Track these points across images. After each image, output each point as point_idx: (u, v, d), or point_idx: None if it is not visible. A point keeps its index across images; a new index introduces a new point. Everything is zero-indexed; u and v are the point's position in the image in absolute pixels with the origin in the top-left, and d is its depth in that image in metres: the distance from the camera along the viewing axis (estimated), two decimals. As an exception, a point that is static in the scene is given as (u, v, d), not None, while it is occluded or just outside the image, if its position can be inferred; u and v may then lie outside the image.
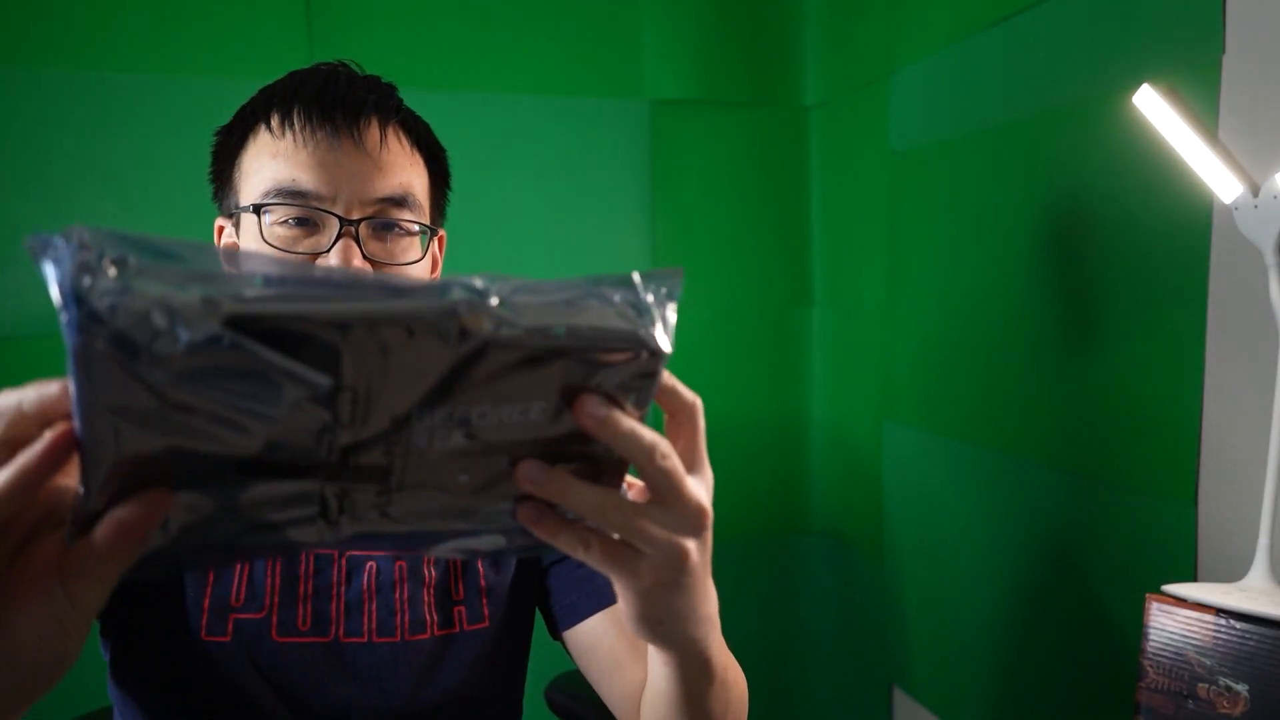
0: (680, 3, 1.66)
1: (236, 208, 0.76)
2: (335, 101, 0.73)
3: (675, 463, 0.41)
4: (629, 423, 0.39)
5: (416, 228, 0.77)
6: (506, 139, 1.59)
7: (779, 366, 1.78)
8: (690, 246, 1.70)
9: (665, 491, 0.42)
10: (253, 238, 0.73)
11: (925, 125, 1.42)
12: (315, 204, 0.72)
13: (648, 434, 0.40)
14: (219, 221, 0.81)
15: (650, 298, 0.38)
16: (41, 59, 1.36)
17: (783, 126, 1.75)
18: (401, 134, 0.77)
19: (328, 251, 0.72)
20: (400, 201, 0.75)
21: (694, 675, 0.54)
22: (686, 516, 0.42)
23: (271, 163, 0.73)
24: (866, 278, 1.61)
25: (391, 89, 0.79)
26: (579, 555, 0.42)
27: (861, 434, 1.64)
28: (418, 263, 0.77)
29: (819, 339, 1.79)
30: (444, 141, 0.83)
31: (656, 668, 0.57)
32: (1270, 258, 0.82)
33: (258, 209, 0.73)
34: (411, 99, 0.81)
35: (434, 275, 0.86)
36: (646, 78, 1.66)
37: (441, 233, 0.85)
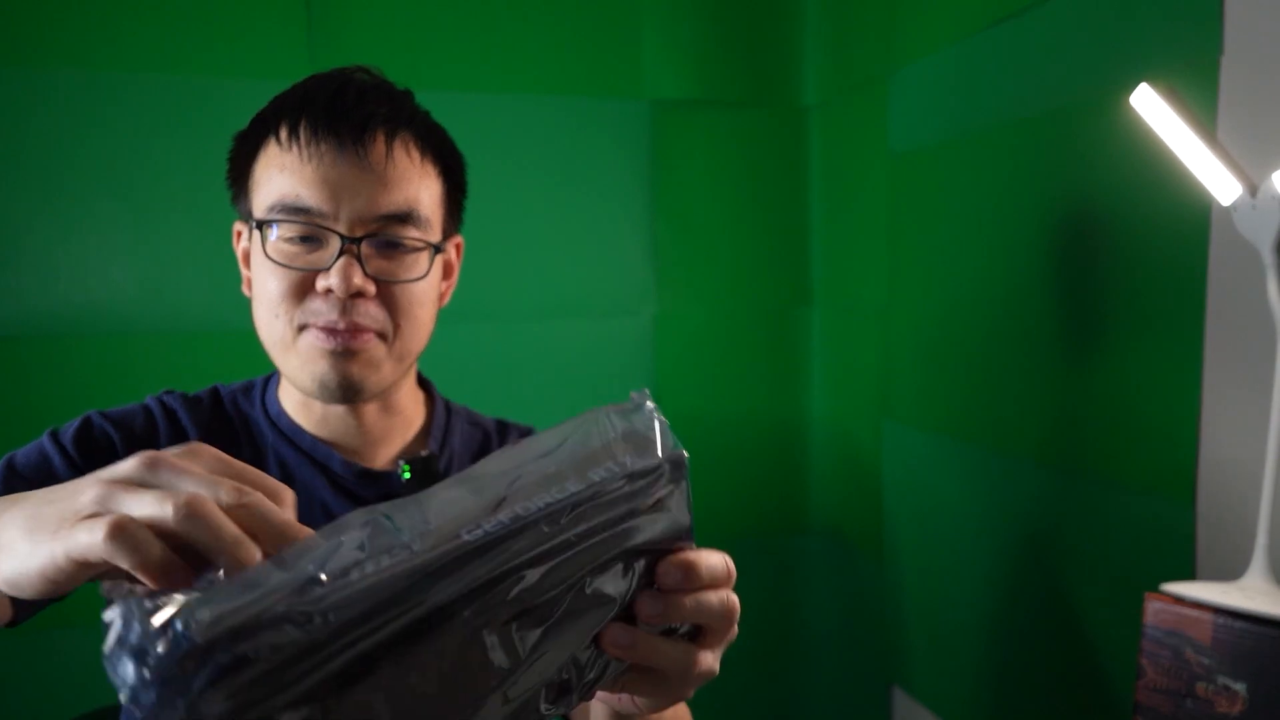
0: (680, 3, 1.66)
1: (249, 217, 0.76)
2: (342, 115, 0.72)
3: (704, 668, 0.49)
4: (652, 642, 0.45)
5: (422, 244, 0.76)
6: (506, 139, 1.59)
7: (779, 367, 1.78)
8: (690, 247, 1.70)
9: (687, 675, 0.48)
10: (260, 250, 0.74)
11: (925, 126, 1.42)
12: (318, 221, 0.72)
13: (675, 650, 0.46)
14: (237, 226, 0.81)
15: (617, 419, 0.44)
16: (42, 59, 1.36)
17: (782, 126, 1.76)
18: (412, 145, 0.76)
19: (328, 269, 0.72)
20: (404, 218, 0.74)
21: None
22: (699, 682, 0.50)
23: (278, 176, 0.73)
24: (866, 278, 1.61)
25: (405, 97, 0.77)
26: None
27: (861, 434, 1.64)
28: (423, 278, 0.76)
29: (818, 340, 1.79)
30: (443, 142, 0.83)
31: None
32: (1268, 258, 0.82)
33: (261, 224, 0.73)
34: (410, 99, 0.81)
35: (450, 281, 0.86)
36: (646, 78, 1.66)
37: (459, 239, 0.85)
